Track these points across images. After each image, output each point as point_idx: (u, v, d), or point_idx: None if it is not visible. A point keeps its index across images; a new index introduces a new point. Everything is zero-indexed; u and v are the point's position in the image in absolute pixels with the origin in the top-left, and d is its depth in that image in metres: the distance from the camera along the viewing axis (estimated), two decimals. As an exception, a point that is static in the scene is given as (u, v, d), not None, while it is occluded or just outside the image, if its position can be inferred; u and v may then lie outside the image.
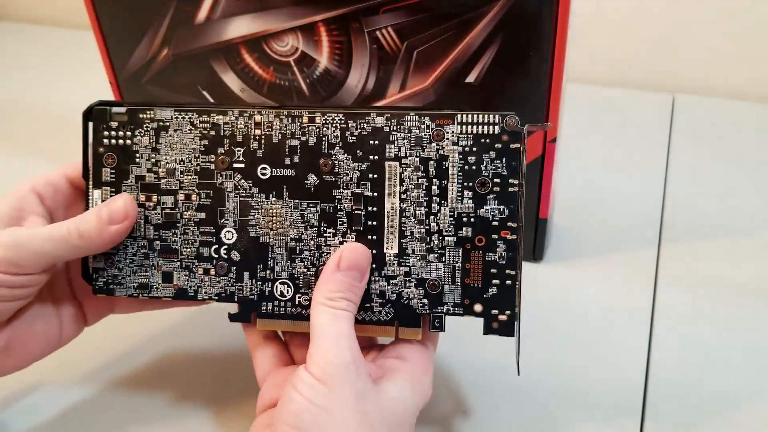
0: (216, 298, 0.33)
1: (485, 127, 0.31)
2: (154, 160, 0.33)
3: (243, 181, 0.32)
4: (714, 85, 0.67)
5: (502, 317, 0.31)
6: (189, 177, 0.33)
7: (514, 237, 0.31)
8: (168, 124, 0.33)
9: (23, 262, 0.30)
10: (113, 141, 0.33)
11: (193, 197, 0.33)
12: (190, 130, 0.33)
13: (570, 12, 0.36)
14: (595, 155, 0.57)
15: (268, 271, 0.32)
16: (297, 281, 0.32)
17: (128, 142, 0.33)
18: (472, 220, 0.31)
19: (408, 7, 0.38)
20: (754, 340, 0.41)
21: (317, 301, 0.30)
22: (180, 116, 0.33)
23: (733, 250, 0.47)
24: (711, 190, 0.53)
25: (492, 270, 0.31)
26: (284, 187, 0.32)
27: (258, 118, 0.32)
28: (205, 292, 0.33)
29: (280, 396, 0.30)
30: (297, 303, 0.32)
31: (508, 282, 0.31)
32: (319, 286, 0.30)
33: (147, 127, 0.33)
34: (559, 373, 0.39)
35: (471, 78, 0.39)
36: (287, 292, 0.32)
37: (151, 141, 0.33)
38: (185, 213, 0.33)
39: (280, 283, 0.32)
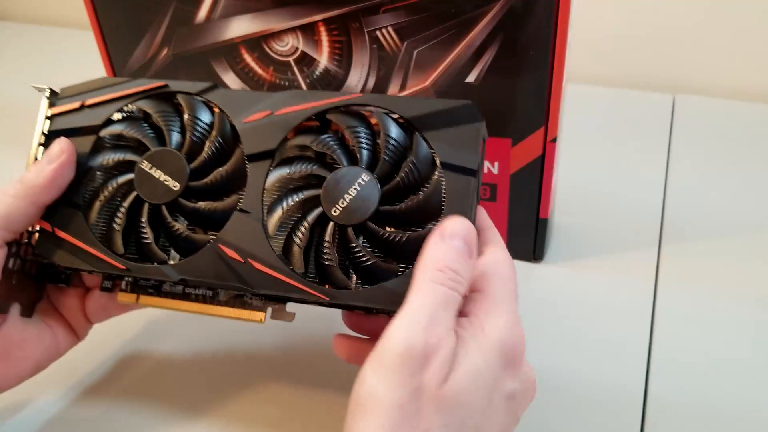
0: None
1: None
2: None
3: None
4: (714, 85, 0.67)
5: None
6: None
7: None
8: None
9: None
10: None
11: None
12: None
13: (570, 12, 0.36)
14: (595, 155, 0.57)
15: None
16: None
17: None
18: None
19: (408, 7, 0.38)
20: (755, 339, 0.41)
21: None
22: None
23: (733, 249, 0.47)
24: (711, 190, 0.53)
25: None
26: None
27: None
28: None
29: None
30: None
31: None
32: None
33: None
34: (559, 372, 0.39)
35: (471, 78, 0.39)
36: None
37: None
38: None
39: None
